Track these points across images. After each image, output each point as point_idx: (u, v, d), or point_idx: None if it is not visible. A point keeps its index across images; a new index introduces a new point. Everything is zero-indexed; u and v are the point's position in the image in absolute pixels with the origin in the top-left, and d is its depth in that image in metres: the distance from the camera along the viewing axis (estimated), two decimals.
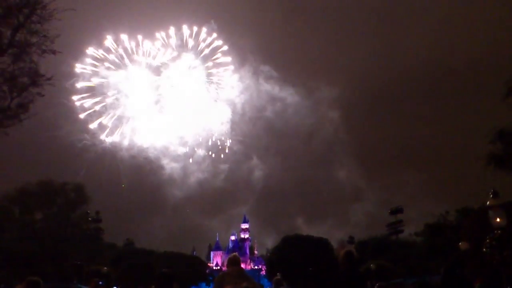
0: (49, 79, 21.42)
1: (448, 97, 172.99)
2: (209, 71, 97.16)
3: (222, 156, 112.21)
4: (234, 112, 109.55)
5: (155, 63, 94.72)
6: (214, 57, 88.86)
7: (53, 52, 20.74)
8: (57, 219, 52.19)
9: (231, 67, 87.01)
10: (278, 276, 20.91)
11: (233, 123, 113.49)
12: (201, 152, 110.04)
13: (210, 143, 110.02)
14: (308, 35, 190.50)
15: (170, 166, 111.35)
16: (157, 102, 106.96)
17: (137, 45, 74.79)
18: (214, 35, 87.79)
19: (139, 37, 67.67)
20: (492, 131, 24.92)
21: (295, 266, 63.09)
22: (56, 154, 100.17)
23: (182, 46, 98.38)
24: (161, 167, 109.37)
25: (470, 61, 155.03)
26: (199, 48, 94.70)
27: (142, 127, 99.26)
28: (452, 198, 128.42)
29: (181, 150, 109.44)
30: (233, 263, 10.04)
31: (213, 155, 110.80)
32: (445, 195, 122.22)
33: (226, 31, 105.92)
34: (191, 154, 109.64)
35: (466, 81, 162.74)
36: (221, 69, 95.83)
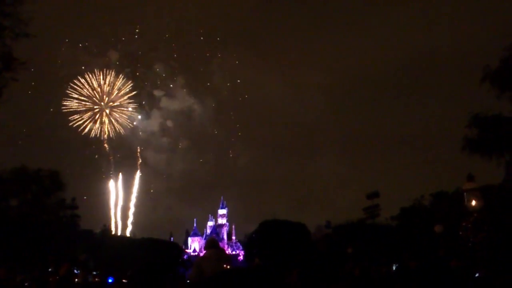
0: (23, 63, 20.96)
1: (426, 84, 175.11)
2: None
3: (204, 143, 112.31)
4: (216, 99, 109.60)
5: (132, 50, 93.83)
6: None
7: (27, 35, 20.26)
8: (32, 206, 51.39)
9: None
10: (257, 261, 21.04)
11: (216, 110, 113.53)
12: (183, 140, 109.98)
13: (191, 130, 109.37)
14: (290, 21, 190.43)
15: (152, 155, 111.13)
16: (137, 94, 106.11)
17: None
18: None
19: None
20: (468, 116, 25.21)
21: (273, 250, 63.26)
22: (31, 141, 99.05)
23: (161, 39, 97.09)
24: (144, 156, 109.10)
25: (447, 48, 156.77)
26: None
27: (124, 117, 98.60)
28: (427, 182, 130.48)
29: (164, 140, 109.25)
30: (211, 245, 10.13)
31: (195, 143, 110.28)
32: (420, 180, 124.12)
33: (205, 14, 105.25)
34: (174, 143, 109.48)
35: (444, 67, 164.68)
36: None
